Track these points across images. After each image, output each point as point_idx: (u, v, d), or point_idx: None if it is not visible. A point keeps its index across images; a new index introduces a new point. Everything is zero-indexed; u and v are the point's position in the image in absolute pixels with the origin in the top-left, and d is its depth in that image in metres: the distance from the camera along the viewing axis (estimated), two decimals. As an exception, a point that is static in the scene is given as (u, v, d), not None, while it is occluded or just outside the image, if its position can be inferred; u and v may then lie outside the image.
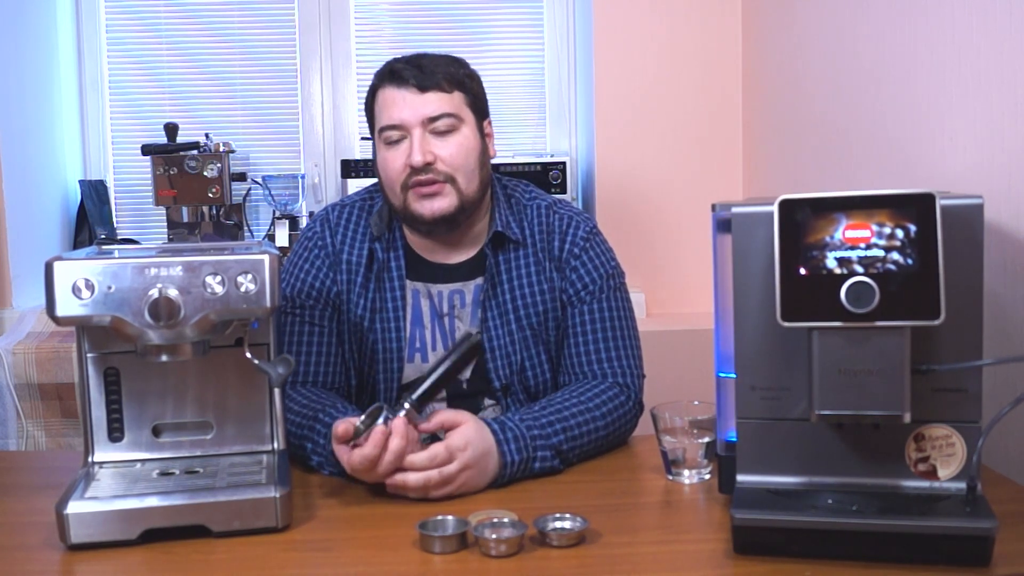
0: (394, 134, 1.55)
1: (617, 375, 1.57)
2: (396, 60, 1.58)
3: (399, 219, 1.62)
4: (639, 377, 1.60)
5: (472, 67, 1.63)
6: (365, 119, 1.65)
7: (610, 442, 1.51)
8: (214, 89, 3.06)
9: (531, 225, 1.64)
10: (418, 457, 1.29)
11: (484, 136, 1.62)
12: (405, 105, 1.54)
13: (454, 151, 1.55)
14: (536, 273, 1.62)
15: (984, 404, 1.13)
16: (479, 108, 1.61)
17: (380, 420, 1.29)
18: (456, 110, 1.56)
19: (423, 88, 1.54)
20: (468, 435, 1.32)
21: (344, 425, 1.30)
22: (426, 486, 1.29)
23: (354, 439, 1.29)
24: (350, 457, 1.29)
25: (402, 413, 1.30)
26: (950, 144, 1.60)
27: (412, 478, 1.28)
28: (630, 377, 1.57)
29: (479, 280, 1.62)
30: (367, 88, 1.62)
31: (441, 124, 1.54)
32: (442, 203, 1.55)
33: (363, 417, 1.29)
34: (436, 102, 1.54)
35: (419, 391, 1.33)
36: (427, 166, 1.53)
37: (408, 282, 1.63)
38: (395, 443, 1.27)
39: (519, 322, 1.60)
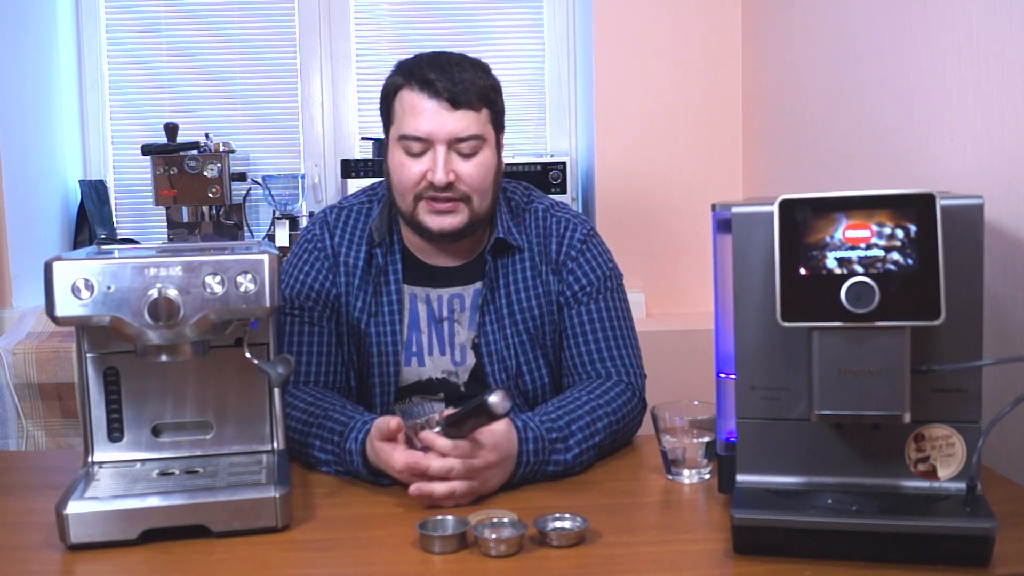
0: (416, 145, 1.52)
1: (621, 373, 1.56)
2: (426, 63, 1.53)
3: (403, 220, 1.60)
4: (641, 376, 1.60)
5: (494, 73, 1.59)
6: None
7: (620, 440, 1.51)
8: (214, 89, 3.06)
9: (528, 229, 1.64)
10: (441, 441, 1.27)
11: (499, 150, 1.60)
12: (434, 119, 1.50)
13: (474, 172, 1.53)
14: (532, 277, 1.61)
15: (984, 404, 1.13)
16: (499, 123, 1.59)
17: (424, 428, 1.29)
18: (482, 130, 1.53)
19: (456, 105, 1.50)
20: (498, 436, 1.30)
21: (395, 422, 1.29)
22: (449, 475, 1.25)
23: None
24: (400, 457, 1.28)
25: (436, 429, 1.29)
26: (950, 144, 1.60)
27: (436, 463, 1.25)
28: (633, 376, 1.57)
29: (478, 284, 1.62)
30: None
31: (466, 146, 1.51)
32: (453, 220, 1.54)
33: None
34: (465, 121, 1.50)
35: (452, 417, 1.29)
36: (448, 185, 1.51)
37: (406, 287, 1.62)
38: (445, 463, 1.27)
39: (515, 327, 1.60)
